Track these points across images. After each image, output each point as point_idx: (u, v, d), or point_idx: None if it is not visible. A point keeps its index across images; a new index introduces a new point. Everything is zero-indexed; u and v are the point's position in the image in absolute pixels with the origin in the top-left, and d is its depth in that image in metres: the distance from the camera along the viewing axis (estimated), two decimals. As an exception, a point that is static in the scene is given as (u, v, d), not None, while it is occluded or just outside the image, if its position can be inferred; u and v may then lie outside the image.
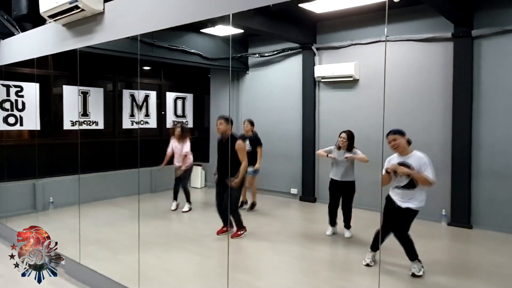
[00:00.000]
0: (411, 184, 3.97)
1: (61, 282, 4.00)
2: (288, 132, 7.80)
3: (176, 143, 6.66)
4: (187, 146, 6.58)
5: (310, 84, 7.42)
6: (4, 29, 5.53)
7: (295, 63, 7.69)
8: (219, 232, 5.39)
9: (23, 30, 5.39)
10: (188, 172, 6.71)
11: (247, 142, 6.43)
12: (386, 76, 6.42)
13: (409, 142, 4.02)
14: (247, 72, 8.48)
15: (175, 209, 6.71)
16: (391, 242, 4.10)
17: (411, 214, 4.01)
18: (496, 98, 5.60)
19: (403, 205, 4.02)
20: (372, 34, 6.61)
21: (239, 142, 5.10)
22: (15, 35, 5.43)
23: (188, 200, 6.69)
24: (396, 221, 4.03)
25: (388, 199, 4.16)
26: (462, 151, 5.79)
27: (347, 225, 5.30)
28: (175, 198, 6.77)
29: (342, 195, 5.26)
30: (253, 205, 6.74)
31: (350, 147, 5.10)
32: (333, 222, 5.38)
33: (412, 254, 4.05)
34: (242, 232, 5.31)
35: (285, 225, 6.04)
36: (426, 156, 3.96)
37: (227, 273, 3.30)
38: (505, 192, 5.50)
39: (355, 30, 6.88)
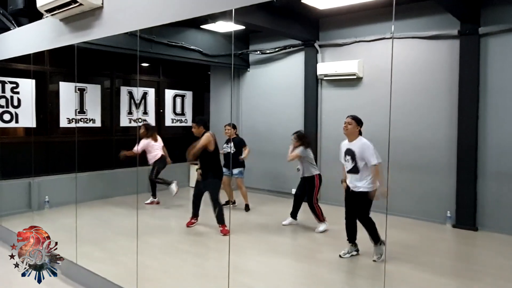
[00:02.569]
0: (355, 169, 4.35)
1: (58, 283, 3.99)
2: (290, 131, 7.74)
3: (152, 142, 6.95)
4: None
5: (312, 82, 7.41)
6: (0, 24, 5.51)
7: (297, 60, 7.67)
8: (189, 224, 5.76)
9: (19, 25, 5.38)
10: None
11: (231, 143, 6.61)
12: (391, 74, 6.40)
13: (360, 132, 4.43)
14: (248, 69, 8.46)
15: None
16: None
17: (363, 196, 4.30)
18: (503, 97, 5.59)
19: (355, 189, 4.36)
20: (376, 31, 6.59)
21: (206, 134, 5.47)
22: (11, 30, 5.42)
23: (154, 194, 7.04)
24: (355, 206, 4.40)
25: (346, 186, 4.54)
26: (468, 151, 5.78)
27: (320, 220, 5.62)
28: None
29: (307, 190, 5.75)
30: (247, 207, 6.75)
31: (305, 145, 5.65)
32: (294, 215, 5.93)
33: (375, 237, 4.32)
34: (226, 227, 5.43)
35: (287, 225, 6.02)
36: (368, 142, 4.34)
37: (228, 274, 3.29)
38: (512, 194, 5.49)
39: (359, 27, 6.86)
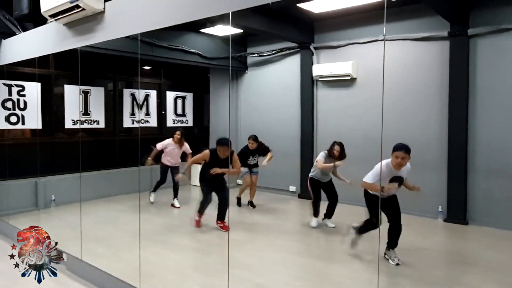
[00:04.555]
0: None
1: (63, 278, 3.99)
2: (287, 130, 7.79)
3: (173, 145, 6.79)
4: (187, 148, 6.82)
5: (308, 83, 7.40)
6: (6, 28, 5.50)
7: (294, 62, 7.66)
8: (198, 224, 5.60)
9: (25, 29, 5.37)
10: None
11: (256, 156, 6.63)
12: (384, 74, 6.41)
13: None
14: (246, 71, 8.45)
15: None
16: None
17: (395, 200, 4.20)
18: (491, 96, 5.59)
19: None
20: (369, 33, 6.60)
21: (235, 155, 5.58)
22: (16, 34, 5.41)
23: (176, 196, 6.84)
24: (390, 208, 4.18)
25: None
26: (458, 148, 5.78)
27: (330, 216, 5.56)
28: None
29: (326, 192, 5.57)
30: (251, 204, 6.74)
31: (342, 155, 5.33)
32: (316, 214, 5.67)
33: (396, 242, 4.18)
34: (226, 224, 5.40)
35: (284, 221, 6.02)
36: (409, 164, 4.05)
37: (227, 269, 3.29)
38: (501, 189, 5.50)
39: (353, 30, 6.86)
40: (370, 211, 4.26)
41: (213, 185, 5.47)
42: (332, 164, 5.31)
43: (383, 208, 4.16)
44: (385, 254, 4.22)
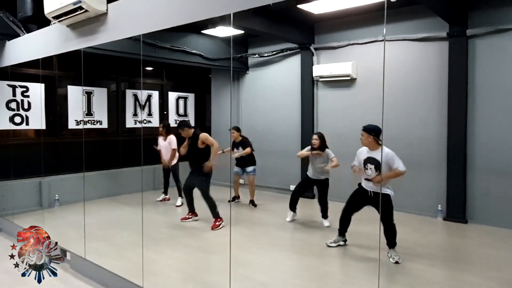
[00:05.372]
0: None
1: (67, 276, 3.98)
2: (287, 130, 7.78)
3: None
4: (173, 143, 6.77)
5: (308, 84, 7.39)
6: (10, 30, 5.49)
7: (294, 63, 7.65)
8: (183, 219, 5.78)
9: (28, 31, 5.36)
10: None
11: (240, 148, 6.58)
12: (384, 75, 6.40)
13: (376, 141, 4.20)
14: (247, 72, 8.45)
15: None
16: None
17: (388, 199, 4.20)
18: (490, 96, 5.58)
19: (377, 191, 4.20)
20: (368, 34, 6.58)
21: (202, 134, 5.50)
22: (20, 36, 5.40)
23: (181, 195, 6.75)
24: (381, 208, 4.22)
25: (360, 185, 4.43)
26: (458, 147, 5.77)
27: (325, 216, 5.58)
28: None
29: (318, 190, 5.66)
30: (253, 203, 6.74)
31: (322, 147, 5.39)
32: (293, 208, 5.81)
33: (393, 242, 4.20)
34: (219, 223, 5.40)
35: (285, 220, 6.00)
36: (391, 151, 4.11)
37: (229, 267, 3.28)
38: (500, 188, 5.48)
39: (352, 31, 6.84)
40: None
41: (191, 178, 5.55)
42: (307, 152, 5.51)
43: (374, 204, 4.24)
44: (387, 253, 4.22)
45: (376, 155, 4.17)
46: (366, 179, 4.30)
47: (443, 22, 5.74)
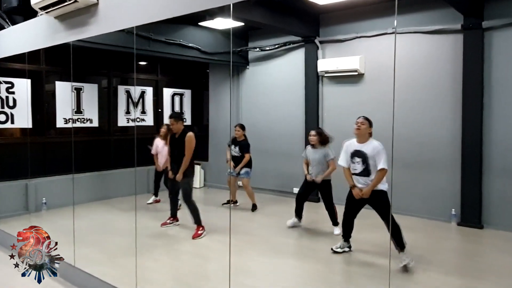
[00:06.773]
0: (366, 172, 4.30)
1: (55, 286, 3.97)
2: (290, 129, 7.77)
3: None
4: None
5: (313, 79, 7.39)
6: (-6, 22, 5.50)
7: (298, 57, 7.65)
8: (163, 225, 5.83)
9: (14, 23, 5.37)
10: None
11: (237, 148, 6.61)
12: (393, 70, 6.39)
13: (370, 134, 4.37)
14: (248, 67, 8.45)
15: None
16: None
17: (383, 195, 4.26)
18: (507, 92, 5.56)
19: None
20: (378, 26, 6.58)
21: (189, 134, 5.48)
22: (5, 28, 5.41)
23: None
24: (377, 206, 4.33)
25: (353, 185, 4.47)
26: (473, 147, 5.76)
27: (335, 223, 5.49)
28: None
29: (320, 194, 5.73)
30: (254, 207, 6.75)
31: (324, 142, 5.50)
32: (299, 214, 5.77)
33: (400, 242, 4.18)
34: (201, 232, 5.37)
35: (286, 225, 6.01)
36: (381, 144, 4.24)
37: (229, 275, 3.28)
38: (518, 191, 5.48)
39: (360, 22, 6.83)
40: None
41: (174, 180, 5.54)
42: (305, 170, 5.66)
43: (370, 202, 4.33)
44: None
45: (365, 147, 4.32)
46: (354, 174, 4.41)
47: (458, 13, 5.73)
